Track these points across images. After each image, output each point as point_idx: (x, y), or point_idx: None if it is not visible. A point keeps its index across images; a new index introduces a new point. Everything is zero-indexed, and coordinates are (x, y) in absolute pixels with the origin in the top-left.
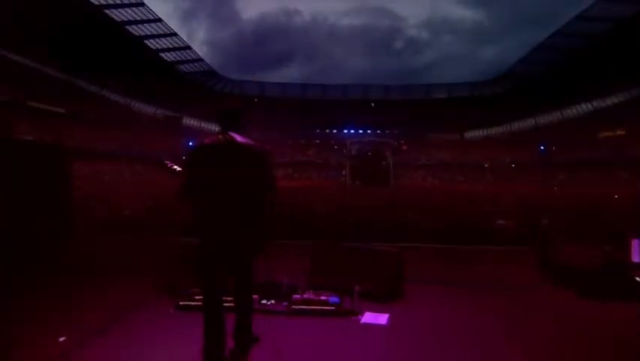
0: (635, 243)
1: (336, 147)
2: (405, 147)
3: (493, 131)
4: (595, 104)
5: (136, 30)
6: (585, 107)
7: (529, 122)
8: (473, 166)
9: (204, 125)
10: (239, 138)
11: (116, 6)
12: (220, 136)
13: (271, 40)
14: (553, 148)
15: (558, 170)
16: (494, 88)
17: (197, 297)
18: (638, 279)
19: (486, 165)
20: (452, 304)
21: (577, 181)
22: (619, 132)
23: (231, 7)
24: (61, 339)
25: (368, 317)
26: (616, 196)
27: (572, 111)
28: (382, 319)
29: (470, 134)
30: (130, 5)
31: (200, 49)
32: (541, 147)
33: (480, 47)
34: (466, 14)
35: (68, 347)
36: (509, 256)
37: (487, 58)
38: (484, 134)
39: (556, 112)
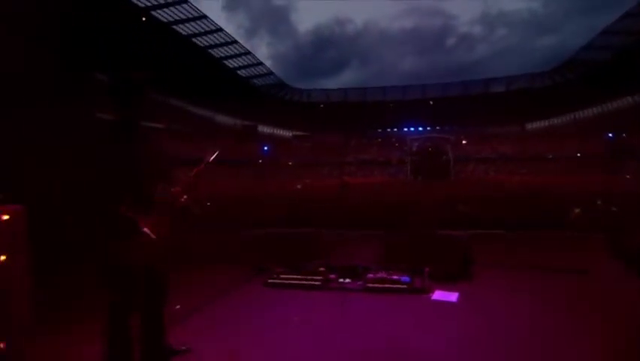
0: None
1: (397, 144)
2: (465, 142)
3: (556, 121)
4: None
5: (216, 52)
6: None
7: (595, 109)
8: (536, 158)
9: (276, 131)
10: None
11: (200, 34)
12: None
13: (327, 49)
14: (624, 135)
15: (630, 159)
16: (555, 77)
17: (282, 275)
18: None
19: (550, 156)
20: (521, 287)
21: None
22: None
23: (288, 22)
24: (177, 307)
25: (438, 295)
26: None
27: None
28: (452, 297)
29: (532, 126)
30: (212, 32)
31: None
32: (610, 135)
33: (537, 38)
34: (520, 6)
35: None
36: (578, 243)
37: (546, 47)
38: (546, 125)
39: (627, 98)
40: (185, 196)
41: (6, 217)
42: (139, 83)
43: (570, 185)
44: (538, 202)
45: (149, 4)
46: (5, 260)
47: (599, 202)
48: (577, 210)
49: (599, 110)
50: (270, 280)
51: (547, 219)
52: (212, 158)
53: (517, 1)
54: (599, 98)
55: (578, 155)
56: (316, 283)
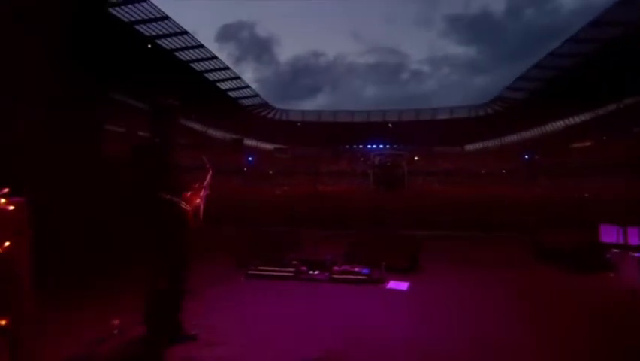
0: (602, 227)
1: (362, 159)
2: (416, 158)
3: (488, 144)
4: (567, 121)
5: (211, 76)
6: (559, 123)
7: (516, 136)
8: (472, 173)
9: (259, 144)
10: None
11: (198, 60)
12: None
13: (304, 76)
14: (536, 157)
15: (540, 174)
16: (487, 109)
17: (261, 268)
18: (607, 256)
19: (482, 172)
20: (460, 277)
21: (556, 183)
22: (587, 144)
23: (271, 53)
24: None
25: (392, 284)
26: (586, 195)
27: (549, 127)
28: (403, 286)
29: (469, 147)
30: (208, 59)
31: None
32: (526, 156)
33: (473, 77)
34: (459, 51)
35: None
36: (506, 241)
37: (480, 85)
38: (480, 147)
39: (539, 127)
40: (198, 200)
41: (11, 208)
42: (173, 108)
43: (497, 195)
44: (474, 208)
45: (154, 33)
46: (10, 245)
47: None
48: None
49: (520, 136)
50: (250, 272)
51: (480, 221)
52: (207, 180)
53: (457, 47)
54: (520, 127)
55: (503, 171)
56: (289, 274)
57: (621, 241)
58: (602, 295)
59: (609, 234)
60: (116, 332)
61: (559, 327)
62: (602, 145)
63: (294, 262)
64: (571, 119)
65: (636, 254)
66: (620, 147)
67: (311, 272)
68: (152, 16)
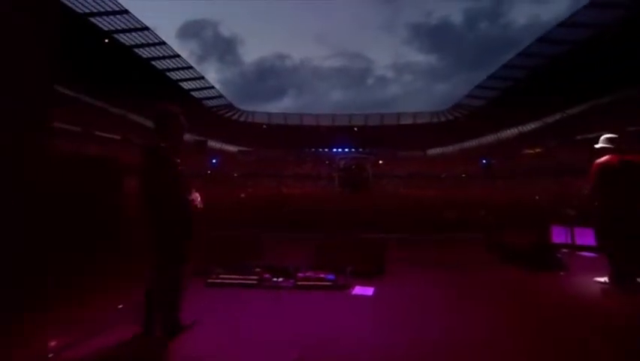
0: (553, 228)
1: (327, 162)
2: (381, 162)
3: (448, 149)
4: (520, 128)
5: (173, 75)
6: (513, 131)
7: (475, 141)
8: (434, 176)
9: (224, 146)
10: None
11: (159, 58)
12: None
13: (269, 78)
14: (493, 161)
15: (497, 178)
16: (448, 115)
17: (222, 276)
18: (558, 255)
19: (443, 175)
20: (423, 280)
21: (511, 186)
22: (537, 150)
23: (235, 53)
24: (120, 306)
25: (357, 290)
26: (537, 197)
27: (504, 134)
28: (369, 291)
29: (431, 152)
30: (170, 57)
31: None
32: (484, 161)
33: (434, 84)
34: (421, 59)
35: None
36: (466, 242)
37: (441, 92)
38: (441, 152)
39: (496, 134)
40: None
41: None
42: (175, 115)
43: (458, 197)
44: (438, 210)
45: (112, 28)
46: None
47: (482, 212)
48: (482, 212)
49: (478, 142)
50: (209, 280)
51: (444, 223)
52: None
53: (419, 54)
54: (478, 133)
55: (463, 175)
56: (252, 282)
57: (569, 241)
58: (560, 295)
59: (559, 234)
60: (51, 355)
61: (525, 327)
62: (550, 151)
63: (257, 270)
64: (523, 127)
65: (582, 253)
66: (565, 153)
67: (275, 279)
68: (110, 9)
